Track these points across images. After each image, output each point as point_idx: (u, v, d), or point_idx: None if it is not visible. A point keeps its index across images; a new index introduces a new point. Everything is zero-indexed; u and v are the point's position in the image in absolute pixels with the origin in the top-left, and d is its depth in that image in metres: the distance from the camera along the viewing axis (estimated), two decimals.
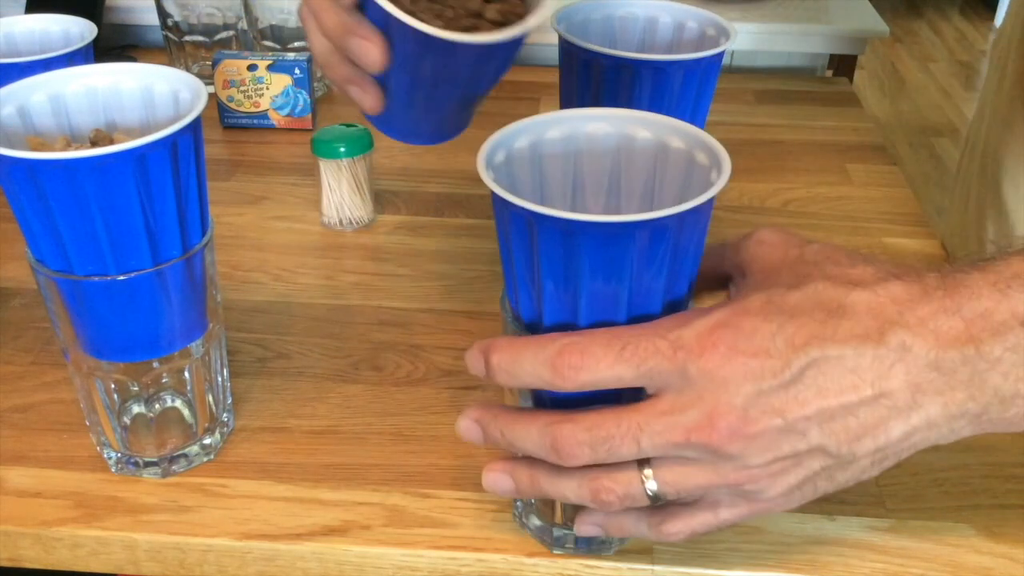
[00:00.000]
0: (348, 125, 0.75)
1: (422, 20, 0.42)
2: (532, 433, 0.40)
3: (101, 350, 0.48)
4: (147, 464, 0.51)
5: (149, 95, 0.49)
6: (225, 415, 0.54)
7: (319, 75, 0.99)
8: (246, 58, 0.89)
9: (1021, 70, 0.77)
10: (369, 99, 0.47)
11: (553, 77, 0.62)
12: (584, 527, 0.44)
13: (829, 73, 1.19)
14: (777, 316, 0.37)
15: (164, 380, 0.51)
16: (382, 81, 0.47)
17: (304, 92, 0.90)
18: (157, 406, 0.52)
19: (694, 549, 0.48)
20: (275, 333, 0.63)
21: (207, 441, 0.53)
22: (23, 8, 1.01)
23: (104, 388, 0.50)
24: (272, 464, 0.53)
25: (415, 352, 0.62)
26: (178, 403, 0.52)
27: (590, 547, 0.47)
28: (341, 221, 0.75)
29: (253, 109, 0.91)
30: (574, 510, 0.45)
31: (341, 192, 0.74)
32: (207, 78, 0.95)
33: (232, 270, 0.69)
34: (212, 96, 0.88)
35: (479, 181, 0.39)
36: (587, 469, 0.40)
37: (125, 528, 0.49)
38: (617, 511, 0.42)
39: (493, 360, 0.39)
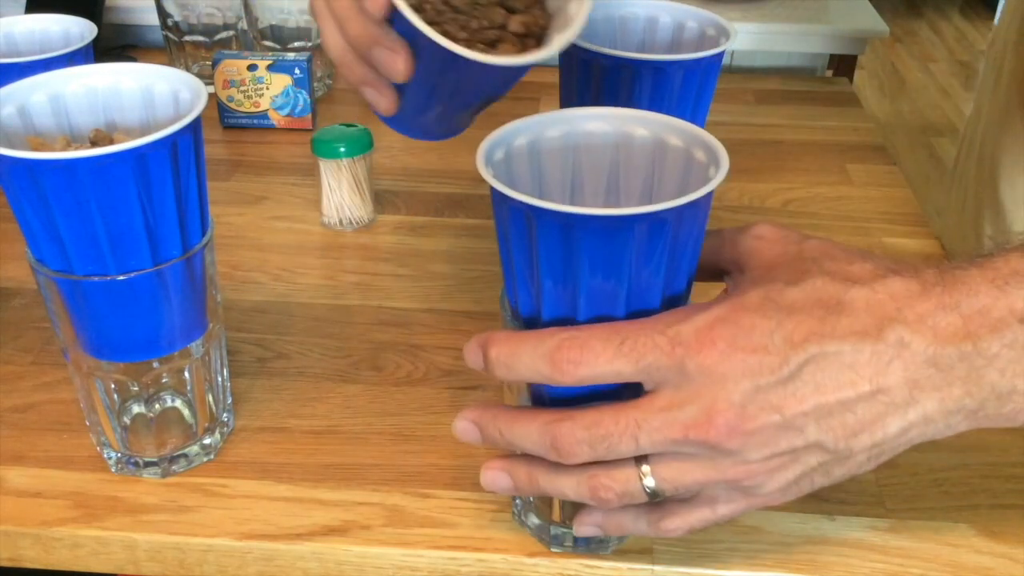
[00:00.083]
0: (348, 125, 0.75)
1: (448, 32, 0.42)
2: (531, 432, 0.40)
3: (101, 350, 0.48)
4: (147, 464, 0.51)
5: (149, 95, 0.49)
6: (225, 415, 0.54)
7: (319, 75, 0.99)
8: (246, 58, 0.89)
9: (1017, 70, 0.77)
10: (385, 102, 0.47)
11: (553, 77, 0.62)
12: (583, 527, 0.44)
13: (829, 73, 1.19)
14: (776, 313, 0.37)
15: (164, 380, 0.51)
16: (398, 85, 0.47)
17: (304, 92, 0.90)
18: (157, 406, 0.52)
19: (694, 549, 0.48)
20: (275, 333, 0.63)
21: (207, 441, 0.53)
22: (23, 8, 1.01)
23: (104, 388, 0.50)
24: (272, 464, 0.53)
25: (415, 352, 0.62)
26: (178, 403, 0.52)
27: (588, 545, 0.48)
28: (341, 221, 0.75)
29: (253, 109, 0.91)
30: (573, 508, 0.45)
31: (341, 192, 0.74)
32: (207, 78, 0.95)
33: (232, 270, 0.69)
34: (212, 96, 0.88)
35: (479, 181, 0.39)
36: (585, 467, 0.40)
37: (125, 528, 0.49)
38: (615, 508, 0.42)
39: (491, 353, 0.39)
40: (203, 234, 0.48)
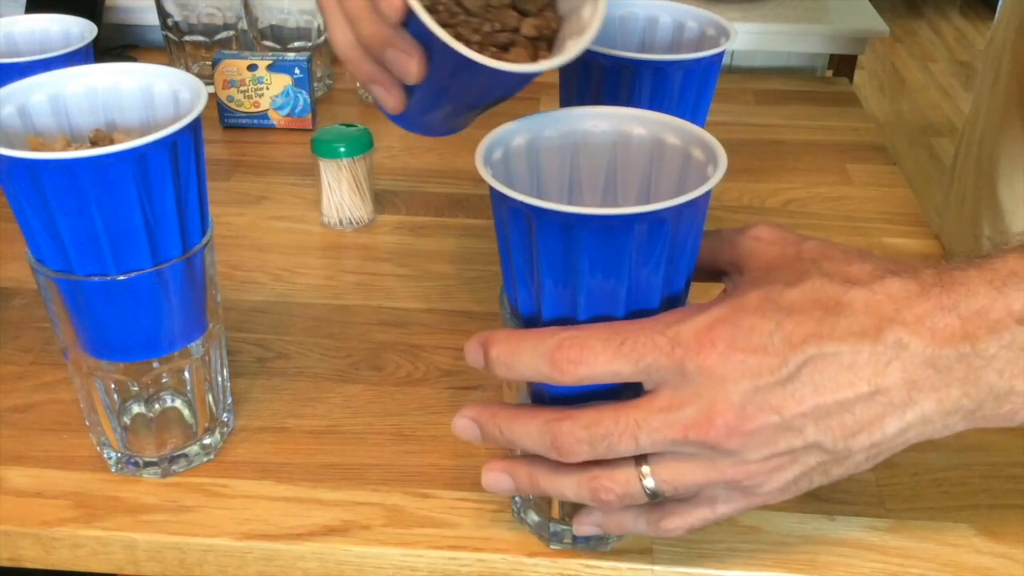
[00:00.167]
0: (348, 125, 0.75)
1: (460, 35, 0.42)
2: (531, 430, 0.40)
3: (101, 350, 0.48)
4: (147, 464, 0.51)
5: (149, 95, 0.49)
6: (225, 415, 0.54)
7: (319, 75, 0.99)
8: (246, 58, 0.89)
9: (1015, 70, 0.77)
10: (392, 100, 0.47)
11: (553, 77, 0.62)
12: (583, 527, 0.44)
13: (829, 73, 1.19)
14: (775, 314, 0.37)
15: (164, 380, 0.51)
16: (407, 84, 0.47)
17: (304, 92, 0.90)
18: (157, 406, 0.52)
19: (694, 549, 0.48)
20: (275, 333, 0.63)
21: (207, 441, 0.53)
22: (23, 8, 1.01)
23: (104, 388, 0.50)
24: (272, 464, 0.53)
25: (415, 352, 0.62)
26: (178, 403, 0.52)
27: (588, 543, 0.48)
28: (341, 221, 0.75)
29: (253, 109, 0.91)
30: (572, 506, 0.45)
31: (341, 192, 0.74)
32: (207, 78, 0.95)
33: (232, 270, 0.69)
34: (212, 96, 0.88)
35: (479, 181, 0.39)
36: (586, 468, 0.40)
37: (125, 528, 0.49)
38: (616, 509, 0.42)
39: (492, 353, 0.40)
40: (203, 234, 0.48)
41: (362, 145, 0.73)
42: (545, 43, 0.45)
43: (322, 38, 0.99)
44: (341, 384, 0.59)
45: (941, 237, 0.79)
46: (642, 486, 0.39)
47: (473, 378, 0.59)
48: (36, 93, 0.48)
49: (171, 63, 1.00)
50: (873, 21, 1.09)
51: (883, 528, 0.49)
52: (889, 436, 0.38)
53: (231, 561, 0.49)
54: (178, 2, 0.96)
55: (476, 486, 0.51)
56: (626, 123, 0.44)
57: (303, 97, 0.90)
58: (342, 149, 0.72)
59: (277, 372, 0.60)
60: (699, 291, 0.44)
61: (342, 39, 0.45)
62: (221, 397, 0.54)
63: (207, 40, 0.98)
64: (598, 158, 0.45)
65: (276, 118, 0.91)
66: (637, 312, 0.40)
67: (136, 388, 0.50)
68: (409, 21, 0.42)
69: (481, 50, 0.41)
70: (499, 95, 0.46)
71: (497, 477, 0.43)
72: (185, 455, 0.52)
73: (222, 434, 0.54)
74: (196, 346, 0.50)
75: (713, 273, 0.44)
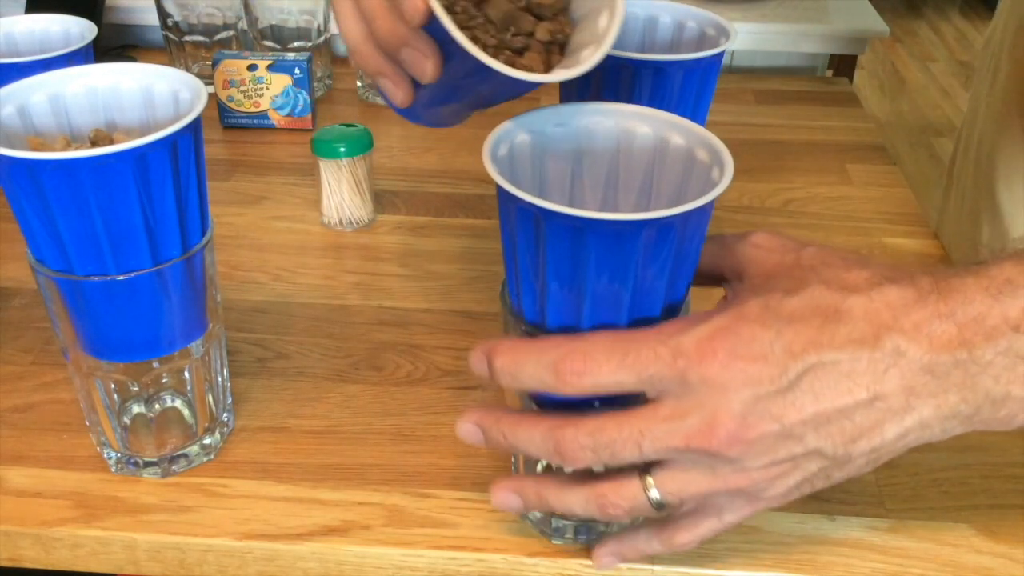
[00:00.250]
0: (348, 125, 0.75)
1: (477, 38, 0.42)
2: (535, 436, 0.40)
3: (101, 350, 0.48)
4: (147, 464, 0.51)
5: (149, 95, 0.49)
6: (225, 415, 0.54)
7: (319, 75, 0.99)
8: (246, 58, 0.89)
9: (1014, 69, 0.77)
10: (401, 94, 0.46)
11: None
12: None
13: (829, 73, 1.19)
14: (775, 322, 0.37)
15: (164, 380, 0.51)
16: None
17: (304, 92, 0.90)
18: (157, 406, 0.52)
19: (694, 549, 0.48)
20: (275, 333, 0.63)
21: (207, 441, 0.53)
22: (23, 8, 1.01)
23: (104, 388, 0.50)
24: (272, 464, 0.53)
25: (415, 352, 0.62)
26: (178, 403, 0.52)
27: (589, 537, 0.48)
28: (341, 221, 0.75)
29: (253, 109, 0.91)
30: None
31: (341, 192, 0.74)
32: (207, 78, 0.95)
33: (232, 270, 0.69)
34: (212, 96, 0.88)
35: (479, 181, 0.39)
36: (592, 483, 0.41)
37: (125, 528, 0.49)
38: (627, 535, 0.44)
39: (496, 363, 0.40)
40: (203, 234, 0.48)
41: (362, 145, 0.73)
42: (557, 47, 0.45)
43: (322, 38, 0.99)
44: (341, 384, 0.59)
45: (940, 237, 0.79)
46: (648, 498, 0.40)
47: (473, 378, 0.59)
48: (36, 93, 0.48)
49: (171, 63, 1.00)
50: (873, 21, 1.09)
51: (883, 528, 0.49)
52: (888, 441, 0.38)
53: (231, 561, 0.49)
54: (178, 2, 0.96)
55: (476, 486, 0.51)
56: (630, 121, 0.45)
57: (303, 97, 0.90)
58: (342, 149, 0.72)
59: (277, 372, 0.60)
60: (700, 296, 0.44)
61: (354, 33, 0.44)
62: (221, 397, 0.54)
63: (207, 40, 0.98)
64: (601, 155, 0.45)
65: (276, 118, 0.91)
66: (639, 320, 0.40)
67: (136, 388, 0.50)
68: (430, 25, 0.42)
69: (496, 54, 0.41)
70: (509, 97, 0.46)
71: (506, 496, 0.44)
72: (185, 455, 0.52)
73: (222, 434, 0.54)
74: (196, 346, 0.50)
75: (713, 278, 0.45)
